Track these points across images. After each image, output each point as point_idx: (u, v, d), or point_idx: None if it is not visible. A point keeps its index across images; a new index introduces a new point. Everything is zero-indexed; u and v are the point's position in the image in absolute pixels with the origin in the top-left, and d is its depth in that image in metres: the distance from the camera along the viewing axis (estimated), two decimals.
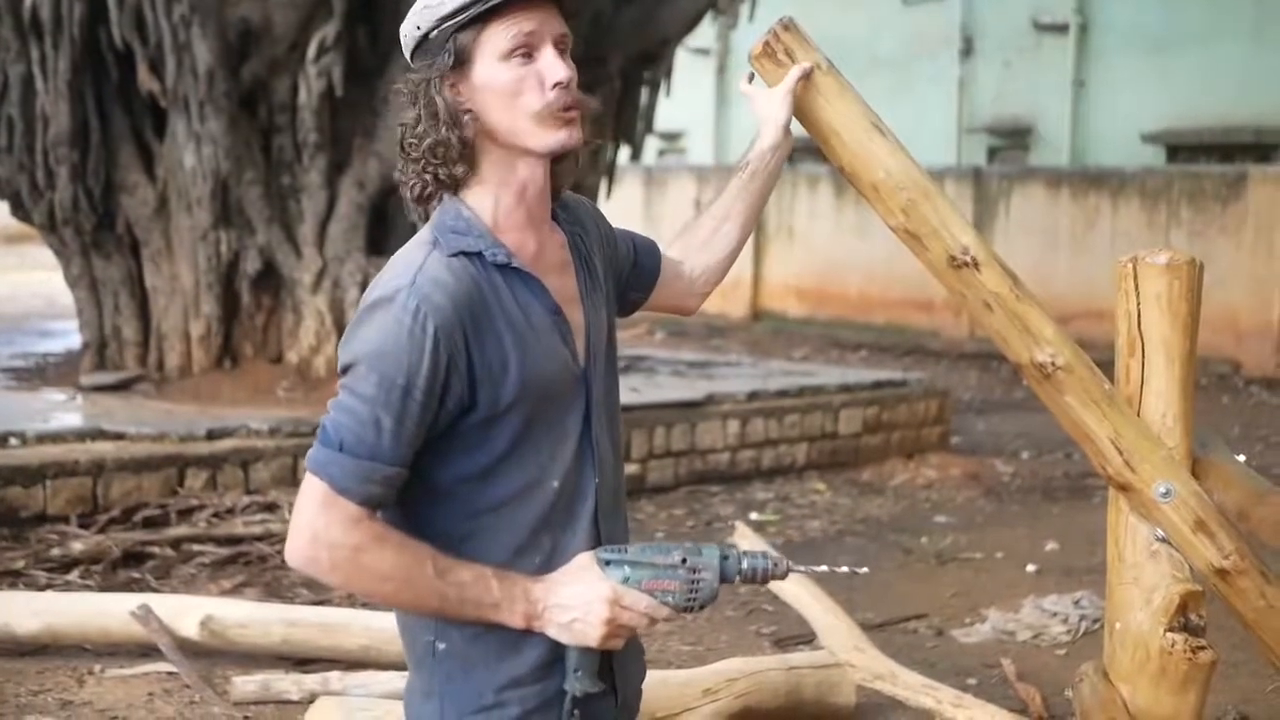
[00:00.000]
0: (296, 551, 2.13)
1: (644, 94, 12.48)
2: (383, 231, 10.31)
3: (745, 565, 2.22)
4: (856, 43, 21.25)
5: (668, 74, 12.62)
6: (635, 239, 2.65)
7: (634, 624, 2.18)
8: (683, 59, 14.34)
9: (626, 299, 2.61)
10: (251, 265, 10.27)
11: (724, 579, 2.22)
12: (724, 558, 2.22)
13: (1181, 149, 20.16)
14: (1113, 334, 2.74)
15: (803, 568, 2.34)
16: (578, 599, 2.16)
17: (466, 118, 2.21)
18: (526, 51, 2.19)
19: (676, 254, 2.71)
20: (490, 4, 2.15)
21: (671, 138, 26.74)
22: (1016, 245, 17.45)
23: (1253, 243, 16.47)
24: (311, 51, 9.77)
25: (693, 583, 2.19)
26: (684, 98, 15.96)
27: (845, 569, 2.43)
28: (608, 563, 2.19)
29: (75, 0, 9.67)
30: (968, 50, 22.79)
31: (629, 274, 2.60)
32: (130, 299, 10.61)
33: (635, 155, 13.08)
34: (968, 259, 2.68)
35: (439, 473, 2.21)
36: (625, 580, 2.18)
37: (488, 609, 2.15)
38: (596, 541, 2.28)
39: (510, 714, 2.24)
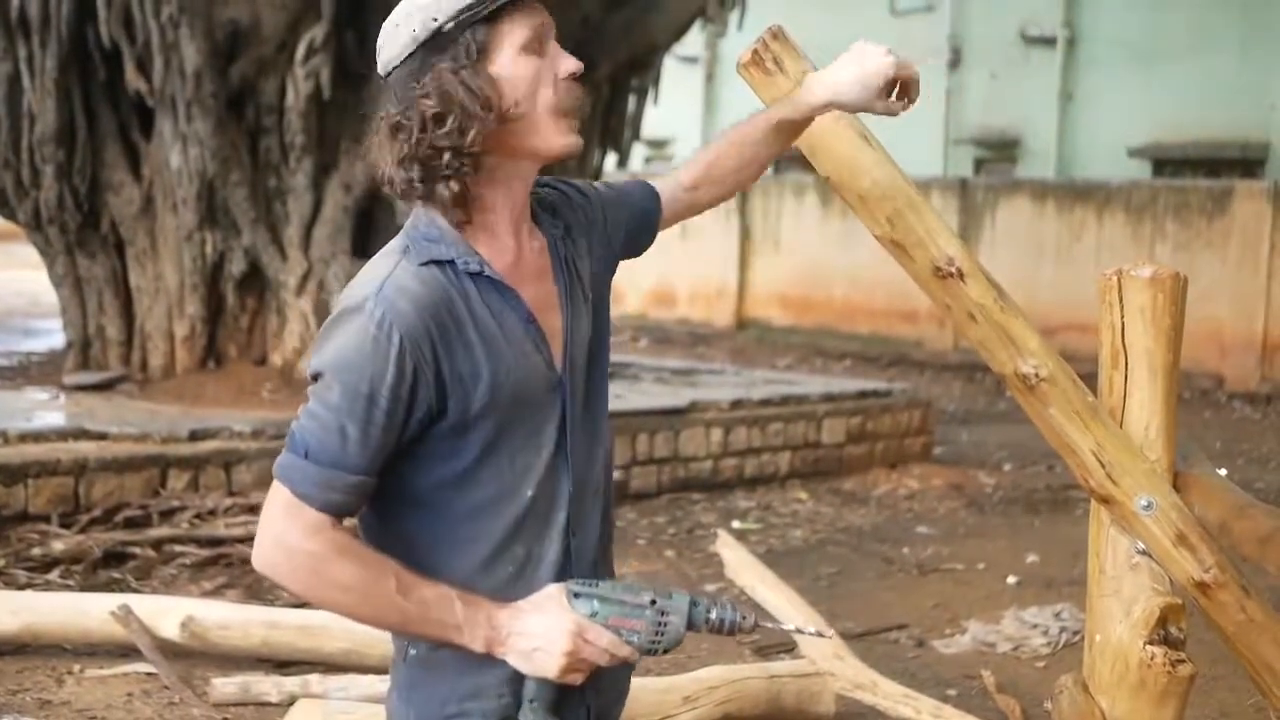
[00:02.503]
0: (260, 556, 2.13)
1: (632, 101, 12.50)
2: (368, 234, 10.30)
3: (713, 615, 2.21)
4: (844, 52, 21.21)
5: (656, 81, 12.64)
6: (628, 197, 2.60)
7: (595, 659, 2.16)
8: (671, 66, 14.36)
9: (626, 254, 2.58)
10: (236, 266, 10.26)
11: (691, 626, 2.20)
12: (693, 604, 2.20)
13: (1168, 163, 20.23)
14: (1097, 346, 2.75)
15: (769, 624, 2.33)
16: (540, 628, 2.14)
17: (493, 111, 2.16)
18: (539, 46, 2.18)
19: (692, 176, 2.65)
20: None
21: (658, 145, 26.75)
22: (1002, 257, 17.49)
23: (1238, 257, 16.53)
24: (300, 53, 9.77)
25: (659, 625, 2.18)
26: (672, 105, 15.94)
27: (812, 630, 2.43)
28: (576, 595, 2.17)
29: None
30: (956, 61, 22.85)
31: (625, 238, 2.56)
32: (114, 298, 10.60)
33: (622, 162, 13.10)
34: (953, 270, 2.69)
35: (416, 479, 2.20)
36: (593, 615, 2.16)
37: (450, 630, 2.13)
38: (567, 553, 2.26)
39: None
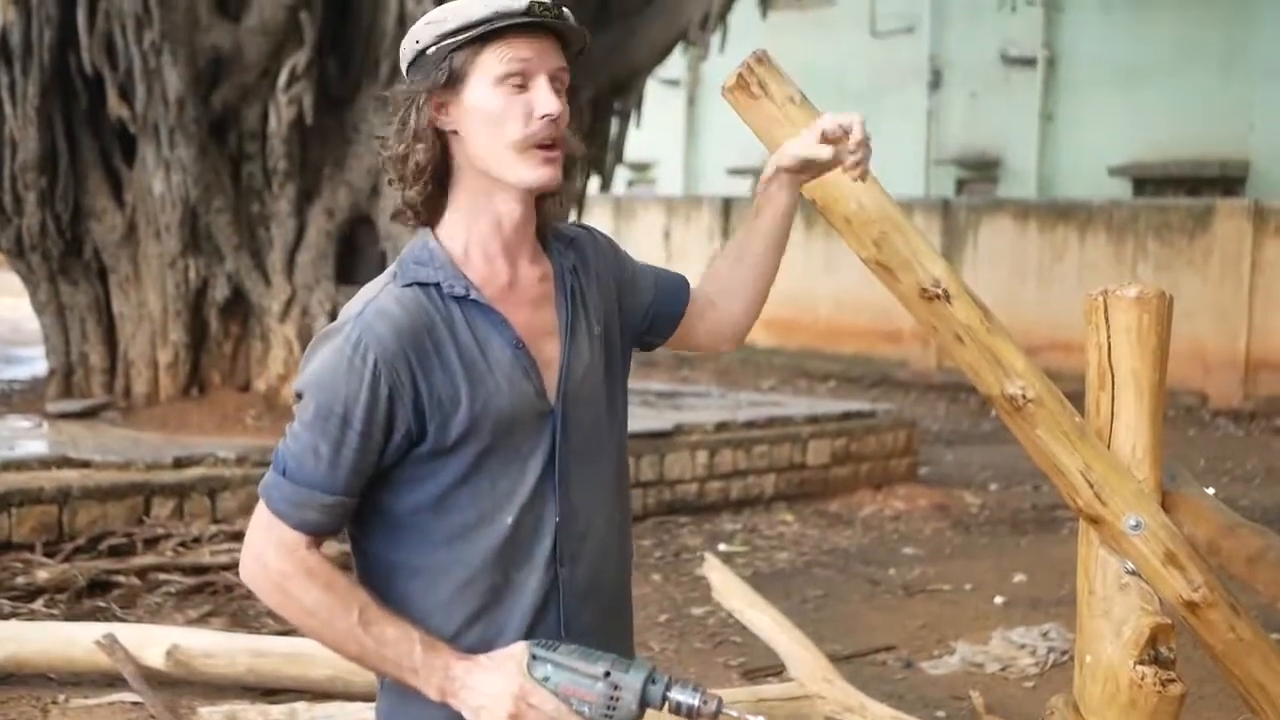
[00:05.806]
0: (243, 568, 2.20)
1: (614, 124, 12.51)
2: (352, 260, 10.28)
3: (672, 695, 2.12)
4: (826, 74, 21.31)
5: (638, 104, 12.65)
6: (661, 278, 2.60)
7: None
8: (653, 89, 14.37)
9: (642, 340, 2.57)
10: (220, 293, 10.24)
11: (645, 703, 2.12)
12: (650, 681, 2.12)
13: (1148, 182, 20.29)
14: (1080, 366, 2.75)
15: (734, 712, 2.15)
16: (489, 688, 2.12)
17: (439, 139, 2.21)
18: (520, 81, 2.19)
19: (708, 291, 2.65)
20: (492, 26, 2.15)
21: (641, 168, 26.77)
22: (984, 277, 17.52)
23: (1219, 275, 16.58)
24: (282, 80, 9.76)
25: (611, 699, 2.10)
26: (654, 128, 15.97)
27: None
28: (535, 657, 2.13)
29: (45, 26, 9.65)
30: (936, 82, 22.91)
31: (648, 313, 2.54)
32: (97, 325, 10.57)
33: (605, 185, 13.10)
34: (939, 291, 2.69)
35: (394, 504, 2.22)
36: (545, 679, 2.11)
37: (406, 672, 2.14)
38: (554, 584, 2.24)
39: None
